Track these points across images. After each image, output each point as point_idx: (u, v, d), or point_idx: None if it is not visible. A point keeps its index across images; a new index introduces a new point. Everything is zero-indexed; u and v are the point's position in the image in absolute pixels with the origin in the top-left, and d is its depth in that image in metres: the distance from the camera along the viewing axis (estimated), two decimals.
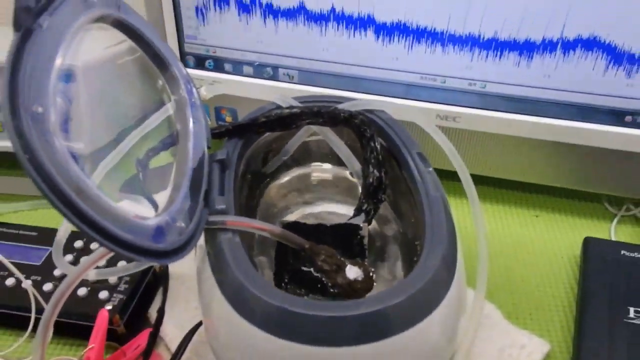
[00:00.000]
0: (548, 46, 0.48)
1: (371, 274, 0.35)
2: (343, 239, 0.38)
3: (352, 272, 0.34)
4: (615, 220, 0.56)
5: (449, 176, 0.42)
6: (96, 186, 0.25)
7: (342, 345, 0.28)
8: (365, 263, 0.35)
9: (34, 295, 0.40)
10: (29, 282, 0.44)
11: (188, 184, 0.33)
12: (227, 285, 0.31)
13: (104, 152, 0.34)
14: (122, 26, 0.36)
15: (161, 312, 0.39)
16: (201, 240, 0.35)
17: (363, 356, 0.28)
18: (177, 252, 0.28)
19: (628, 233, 0.55)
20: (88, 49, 0.34)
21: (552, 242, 0.54)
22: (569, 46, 0.47)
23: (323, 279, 0.34)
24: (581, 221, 0.56)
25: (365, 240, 0.38)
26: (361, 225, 0.38)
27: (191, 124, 0.36)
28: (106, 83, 0.34)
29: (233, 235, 0.32)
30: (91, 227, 0.24)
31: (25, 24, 0.26)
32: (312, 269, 0.34)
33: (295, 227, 0.39)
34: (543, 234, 0.55)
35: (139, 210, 0.29)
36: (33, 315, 0.41)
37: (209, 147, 0.37)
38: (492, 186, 0.60)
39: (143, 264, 0.41)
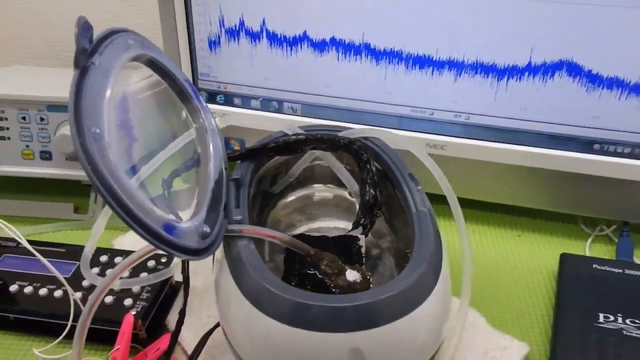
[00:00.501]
0: (527, 77, 0.54)
1: (368, 277, 0.40)
2: (343, 248, 0.43)
3: (352, 275, 0.39)
4: (590, 240, 0.61)
5: (438, 200, 0.47)
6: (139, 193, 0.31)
7: (342, 332, 0.33)
8: (363, 268, 0.40)
9: (74, 302, 0.45)
10: (78, 294, 0.48)
11: (210, 198, 0.38)
12: (245, 285, 0.35)
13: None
14: (152, 64, 0.42)
15: (182, 313, 0.43)
16: (218, 255, 0.40)
17: (359, 341, 0.33)
18: (204, 251, 0.33)
19: (601, 250, 0.60)
20: (125, 82, 0.40)
21: (533, 259, 0.59)
22: (542, 78, 0.53)
23: (326, 281, 0.39)
24: (559, 240, 0.62)
25: (363, 249, 0.43)
26: (359, 236, 0.43)
27: (211, 148, 0.42)
28: (140, 111, 0.40)
29: (248, 242, 0.37)
30: (138, 224, 0.29)
31: (82, 63, 0.32)
32: (316, 272, 0.39)
33: (301, 238, 0.44)
34: (524, 251, 0.60)
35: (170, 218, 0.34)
36: (70, 323, 0.45)
37: (225, 169, 0.43)
38: (477, 209, 0.65)
39: (165, 272, 0.46)
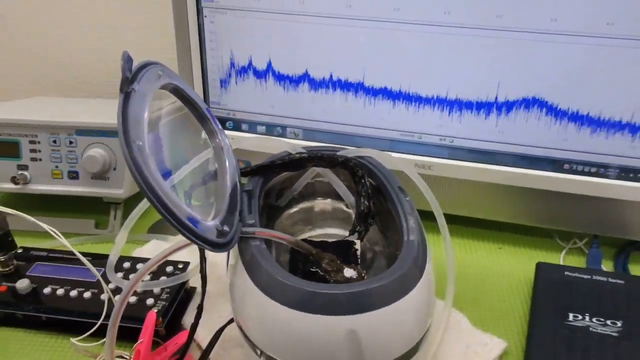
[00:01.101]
0: (501, 108, 0.61)
1: (363, 274, 0.46)
2: (341, 251, 0.49)
3: (349, 272, 0.45)
4: (564, 252, 0.68)
5: (427, 216, 0.53)
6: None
7: (340, 314, 0.39)
8: (359, 267, 0.46)
9: (108, 298, 0.51)
10: (105, 295, 0.54)
11: (227, 205, 0.44)
12: (259, 277, 0.41)
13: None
14: (176, 92, 0.49)
15: (200, 308, 0.49)
16: (232, 260, 0.47)
17: (353, 323, 0.39)
18: (225, 245, 0.40)
19: (574, 261, 0.66)
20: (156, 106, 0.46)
21: (512, 268, 0.65)
22: (515, 108, 0.61)
23: (326, 277, 0.45)
24: (536, 252, 0.68)
25: (359, 252, 0.50)
26: (355, 241, 0.50)
27: (227, 164, 0.49)
28: (167, 131, 0.46)
29: (260, 242, 0.44)
30: (171, 215, 0.35)
31: (126, 89, 0.39)
32: (318, 270, 0.46)
33: (304, 242, 0.50)
34: (505, 262, 0.66)
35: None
36: (100, 320, 0.51)
37: (239, 181, 0.49)
38: (463, 225, 0.72)
39: (182, 276, 0.53)
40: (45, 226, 0.49)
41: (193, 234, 0.37)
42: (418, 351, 0.44)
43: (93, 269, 0.50)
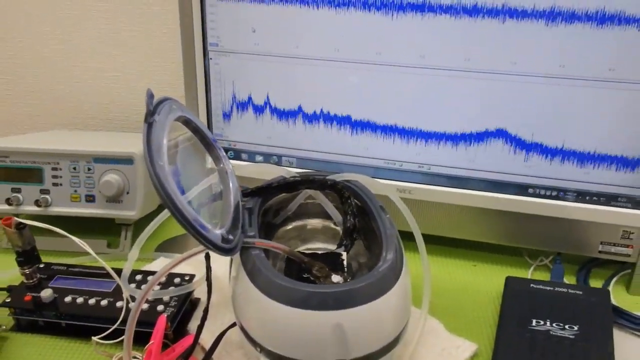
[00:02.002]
0: (471, 140, 0.69)
1: (348, 280, 0.53)
2: (330, 261, 0.56)
3: (336, 278, 0.52)
4: (532, 268, 0.75)
5: (408, 237, 0.60)
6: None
7: (328, 310, 0.46)
8: (345, 274, 0.53)
9: (125, 303, 0.58)
10: (120, 303, 0.61)
11: (231, 219, 0.52)
12: (259, 280, 0.48)
13: None
14: (187, 123, 0.57)
15: (206, 311, 0.56)
16: (234, 272, 0.54)
17: (339, 317, 0.46)
18: (231, 250, 0.47)
19: (541, 277, 0.74)
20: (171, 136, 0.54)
21: (485, 283, 0.72)
22: (483, 140, 0.69)
23: (316, 282, 0.52)
24: (507, 269, 0.75)
25: (345, 262, 0.57)
26: (342, 252, 0.57)
27: (230, 185, 0.56)
28: (179, 157, 0.54)
29: (259, 251, 0.51)
30: (186, 222, 0.43)
31: (149, 120, 0.47)
32: (309, 276, 0.53)
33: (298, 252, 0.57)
34: (478, 278, 0.74)
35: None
36: (117, 324, 0.58)
37: (241, 200, 0.57)
38: (440, 244, 0.79)
39: (188, 286, 0.60)
40: (77, 240, 0.56)
41: (205, 239, 0.44)
42: (396, 346, 0.51)
43: (116, 277, 0.58)
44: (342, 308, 0.46)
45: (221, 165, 0.58)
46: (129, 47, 1.00)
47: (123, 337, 0.51)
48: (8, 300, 0.62)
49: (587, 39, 0.62)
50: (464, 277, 0.74)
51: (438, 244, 0.79)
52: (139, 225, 0.72)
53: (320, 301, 0.46)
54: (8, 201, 0.73)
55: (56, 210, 0.73)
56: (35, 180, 0.73)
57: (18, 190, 0.74)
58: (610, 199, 0.68)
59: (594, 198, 0.69)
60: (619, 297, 0.70)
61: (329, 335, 0.46)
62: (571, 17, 0.61)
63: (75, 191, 0.73)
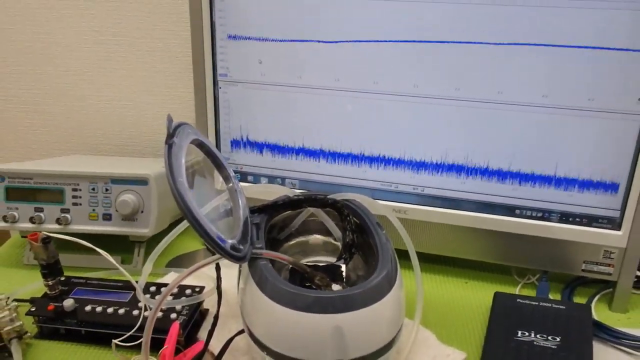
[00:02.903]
0: (459, 165, 0.75)
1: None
2: (330, 272, 0.61)
3: (336, 287, 0.58)
4: (520, 286, 0.80)
5: (404, 256, 0.65)
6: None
7: (329, 313, 0.51)
8: (344, 284, 0.58)
9: (142, 311, 0.64)
10: (136, 312, 0.66)
11: (241, 232, 0.57)
12: (266, 288, 0.53)
13: None
14: (201, 146, 0.62)
15: (216, 317, 0.61)
16: (242, 283, 0.59)
17: (339, 320, 0.51)
18: (241, 259, 0.52)
19: (528, 294, 0.78)
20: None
21: (475, 298, 0.77)
22: (471, 164, 0.75)
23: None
24: (496, 286, 0.80)
25: (344, 274, 0.62)
26: (341, 265, 0.62)
27: (239, 202, 0.61)
28: (195, 177, 0.60)
29: (266, 261, 0.56)
30: (207, 235, 0.48)
31: (169, 142, 0.52)
32: (312, 285, 0.58)
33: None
34: (469, 294, 0.78)
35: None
36: (134, 329, 0.63)
37: (249, 216, 0.62)
38: (434, 263, 0.84)
39: (199, 296, 0.65)
40: (103, 252, 0.63)
41: (218, 246, 0.50)
42: (390, 349, 0.55)
43: (137, 286, 0.63)
44: (342, 312, 0.51)
45: (231, 184, 0.64)
46: (141, 78, 1.07)
47: (139, 341, 0.56)
48: (33, 309, 0.67)
49: (568, 71, 0.68)
50: (456, 293, 0.79)
51: (432, 262, 0.84)
52: (151, 243, 0.77)
53: (323, 305, 0.51)
54: (31, 219, 0.79)
55: (75, 227, 0.78)
56: (57, 200, 0.79)
57: (41, 210, 0.79)
58: (592, 220, 0.74)
59: (577, 219, 0.74)
60: (602, 314, 0.75)
61: (330, 337, 0.51)
62: (553, 50, 0.68)
63: (94, 210, 0.79)
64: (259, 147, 0.82)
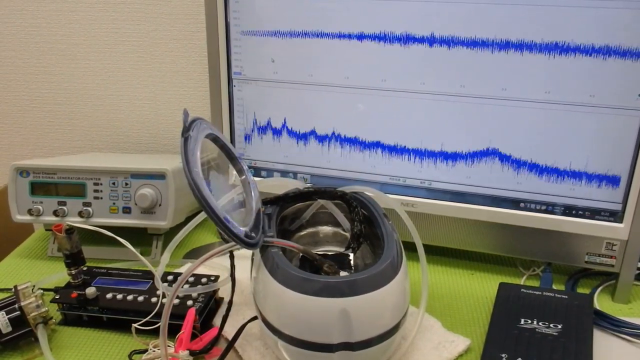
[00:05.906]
0: (467, 158, 0.77)
1: None
2: (339, 260, 0.64)
3: (344, 274, 0.60)
4: (524, 277, 0.82)
5: (411, 248, 0.68)
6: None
7: (337, 297, 0.53)
8: (352, 272, 0.61)
9: (160, 297, 0.67)
10: (155, 299, 0.70)
11: (253, 221, 0.60)
12: (278, 274, 0.56)
13: None
14: (215, 140, 0.65)
15: (230, 303, 0.64)
16: (254, 272, 0.62)
17: (345, 303, 0.53)
18: (254, 245, 0.55)
19: (533, 285, 0.81)
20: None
21: (480, 289, 0.79)
22: (478, 158, 0.77)
23: None
24: (501, 277, 0.82)
25: (352, 262, 0.65)
26: (349, 254, 0.65)
27: (252, 194, 0.65)
28: (208, 174, 0.63)
29: (278, 249, 0.59)
30: (221, 222, 0.51)
31: (185, 135, 0.55)
32: (321, 272, 0.61)
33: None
34: (475, 285, 0.81)
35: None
36: (152, 314, 0.66)
37: (261, 207, 0.65)
38: (441, 255, 0.87)
39: (214, 285, 0.68)
40: (126, 243, 0.66)
41: (232, 233, 0.53)
42: (395, 334, 0.58)
43: (156, 274, 0.66)
44: (348, 296, 0.54)
45: (244, 177, 0.67)
46: (159, 77, 1.11)
47: (157, 325, 0.59)
48: (57, 297, 0.71)
49: (570, 69, 0.70)
50: (461, 283, 0.81)
51: (439, 254, 0.87)
52: (169, 235, 0.80)
53: (330, 290, 0.54)
54: (55, 213, 0.83)
55: (97, 220, 0.82)
56: (79, 194, 0.83)
57: (64, 204, 0.83)
58: (594, 213, 0.76)
59: (580, 212, 0.76)
60: (604, 305, 0.77)
61: (337, 320, 0.54)
62: (555, 48, 0.70)
63: (114, 204, 0.82)
64: (271, 141, 0.85)
